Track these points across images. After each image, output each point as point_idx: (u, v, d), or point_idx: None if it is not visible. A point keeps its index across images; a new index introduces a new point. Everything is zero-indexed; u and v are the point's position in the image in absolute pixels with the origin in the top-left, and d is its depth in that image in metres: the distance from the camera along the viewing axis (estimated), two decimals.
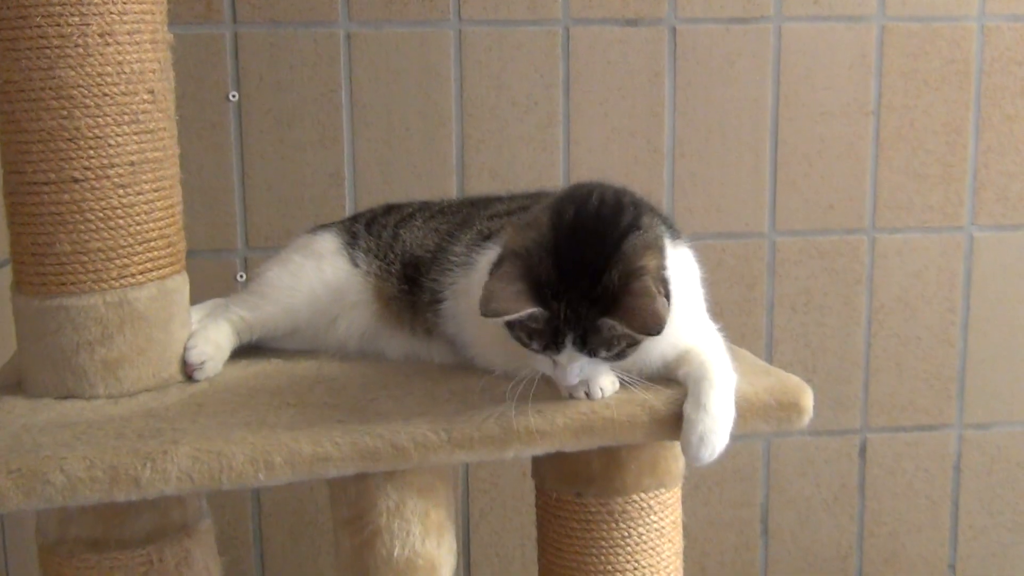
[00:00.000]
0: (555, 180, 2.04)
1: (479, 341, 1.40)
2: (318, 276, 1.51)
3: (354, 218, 1.61)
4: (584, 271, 1.19)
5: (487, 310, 1.17)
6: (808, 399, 1.33)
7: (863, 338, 2.15)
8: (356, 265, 1.51)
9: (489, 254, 1.40)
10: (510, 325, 1.22)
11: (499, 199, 1.55)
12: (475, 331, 1.40)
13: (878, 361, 2.17)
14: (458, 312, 1.41)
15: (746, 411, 1.30)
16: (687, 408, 1.27)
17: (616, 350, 1.22)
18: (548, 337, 1.20)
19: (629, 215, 1.26)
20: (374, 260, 1.50)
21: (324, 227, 1.61)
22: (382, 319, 1.50)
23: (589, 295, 1.18)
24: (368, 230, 1.54)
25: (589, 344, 1.20)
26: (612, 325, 1.18)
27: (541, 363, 1.25)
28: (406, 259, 1.49)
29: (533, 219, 1.27)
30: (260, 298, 1.53)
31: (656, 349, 1.29)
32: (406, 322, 1.48)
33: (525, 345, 1.23)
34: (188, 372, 1.42)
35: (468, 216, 1.51)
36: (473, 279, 1.36)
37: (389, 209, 1.59)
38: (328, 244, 1.54)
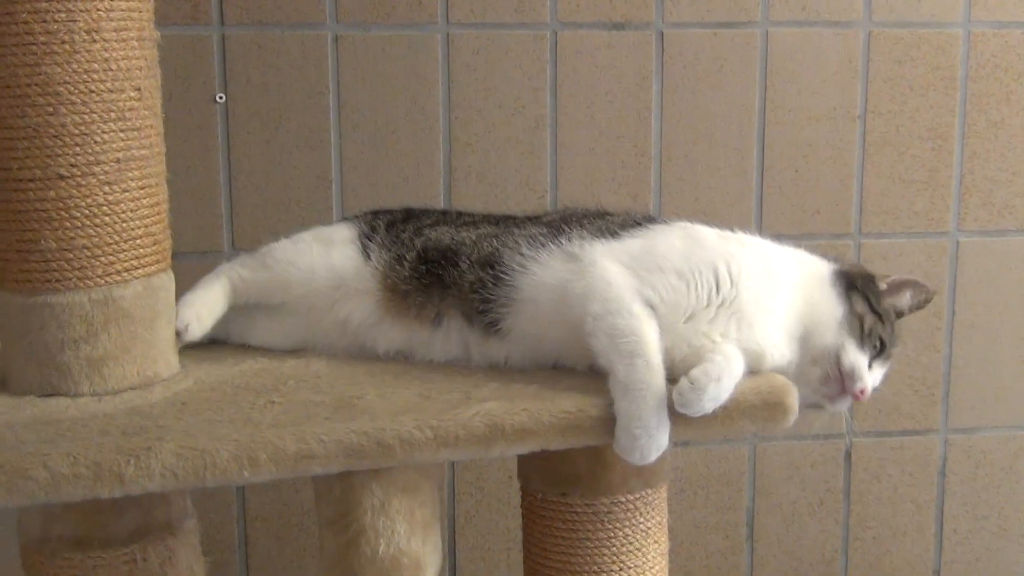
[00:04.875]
0: (543, 184, 2.05)
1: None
2: (323, 259, 1.53)
3: (375, 214, 1.63)
4: None
5: None
6: (793, 398, 1.34)
7: None
8: (368, 256, 1.52)
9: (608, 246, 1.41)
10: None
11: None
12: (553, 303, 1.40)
13: None
14: (543, 281, 1.41)
15: (732, 410, 1.30)
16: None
17: None
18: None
19: None
20: (385, 253, 1.52)
21: (345, 218, 1.65)
22: (384, 307, 1.50)
23: None
24: (388, 230, 1.56)
25: None
26: None
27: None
28: (431, 245, 1.50)
29: None
30: (259, 263, 1.57)
31: None
32: (412, 306, 1.49)
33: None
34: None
35: (520, 220, 1.56)
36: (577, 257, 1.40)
37: (410, 215, 1.61)
38: (342, 233, 1.57)
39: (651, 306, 1.35)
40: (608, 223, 1.48)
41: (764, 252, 1.47)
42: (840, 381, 1.39)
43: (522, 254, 1.43)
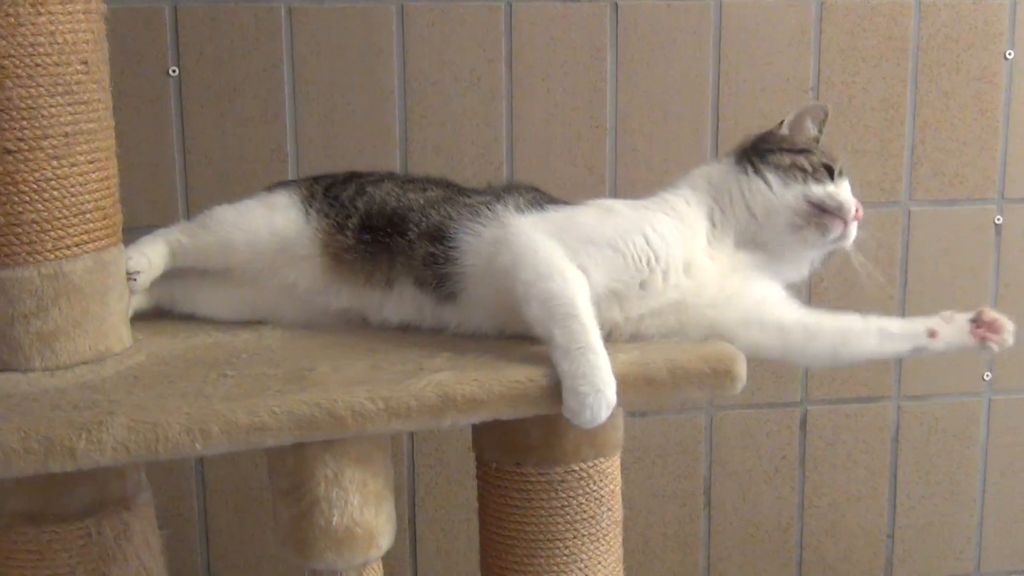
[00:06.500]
0: (498, 156, 2.05)
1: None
2: (266, 222, 1.53)
3: (315, 178, 1.62)
4: None
5: None
6: (741, 366, 1.35)
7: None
8: (308, 219, 1.53)
9: (532, 217, 1.43)
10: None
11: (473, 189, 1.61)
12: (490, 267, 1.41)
13: None
14: (481, 252, 1.42)
15: (680, 377, 1.32)
16: None
17: None
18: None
19: None
20: (324, 218, 1.52)
21: (285, 183, 1.64)
22: (331, 273, 1.51)
23: None
24: (327, 192, 1.56)
25: None
26: None
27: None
28: (374, 210, 1.50)
29: None
30: (200, 227, 1.56)
31: None
32: (360, 273, 1.49)
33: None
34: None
35: (463, 188, 1.57)
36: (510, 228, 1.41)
37: (352, 175, 1.61)
38: (284, 198, 1.56)
39: (584, 271, 1.36)
40: (538, 197, 1.50)
41: (667, 203, 1.49)
42: (830, 215, 1.43)
43: (464, 228, 1.44)
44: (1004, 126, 2.20)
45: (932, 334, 1.43)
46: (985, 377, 2.28)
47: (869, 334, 1.43)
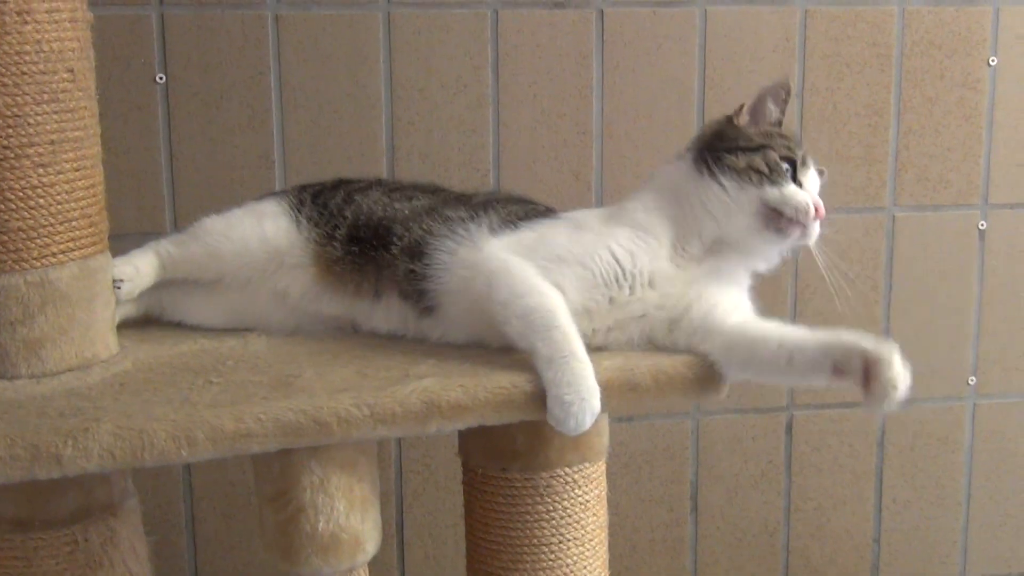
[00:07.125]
0: (485, 162, 2.06)
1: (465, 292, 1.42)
2: (255, 231, 1.54)
3: (303, 187, 1.63)
4: None
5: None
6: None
7: (788, 317, 2.19)
8: (299, 228, 1.54)
9: (504, 239, 1.43)
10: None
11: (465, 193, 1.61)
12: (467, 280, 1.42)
13: None
14: (455, 264, 1.43)
15: (664, 384, 1.33)
16: None
17: None
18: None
19: None
20: (314, 228, 1.53)
21: (273, 193, 1.65)
22: (321, 282, 1.52)
23: None
24: (315, 200, 1.57)
25: None
26: None
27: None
28: (361, 221, 1.51)
29: None
30: (190, 237, 1.57)
31: None
32: (349, 283, 1.50)
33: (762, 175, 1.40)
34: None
35: (448, 196, 1.56)
36: (481, 239, 1.42)
37: (340, 182, 1.62)
38: (273, 206, 1.57)
39: (559, 288, 1.37)
40: (515, 212, 1.50)
41: (627, 212, 1.48)
42: (791, 221, 1.40)
43: (441, 245, 1.45)
44: (988, 132, 2.21)
45: (837, 372, 1.31)
46: (970, 381, 2.29)
47: (779, 353, 1.35)
